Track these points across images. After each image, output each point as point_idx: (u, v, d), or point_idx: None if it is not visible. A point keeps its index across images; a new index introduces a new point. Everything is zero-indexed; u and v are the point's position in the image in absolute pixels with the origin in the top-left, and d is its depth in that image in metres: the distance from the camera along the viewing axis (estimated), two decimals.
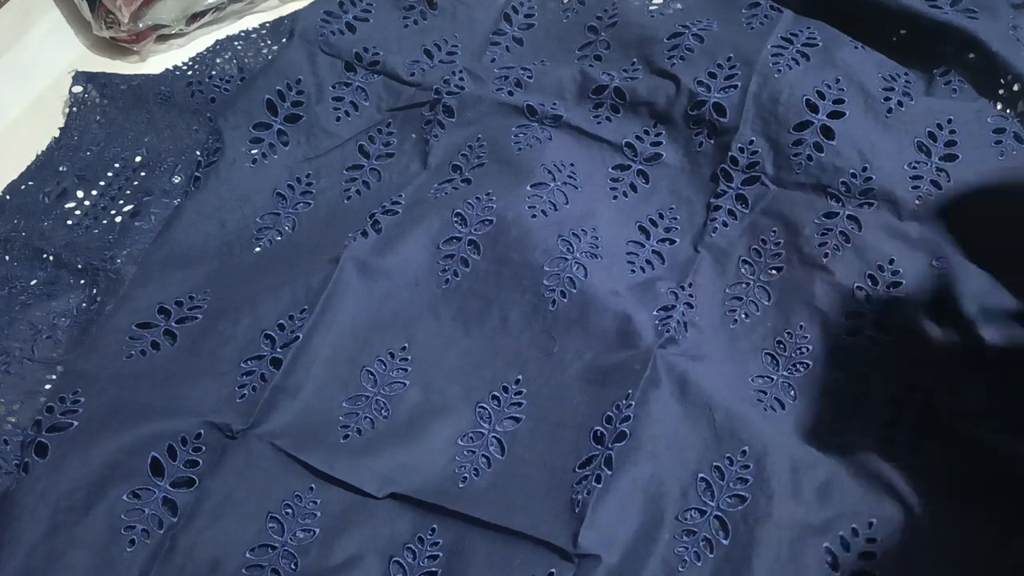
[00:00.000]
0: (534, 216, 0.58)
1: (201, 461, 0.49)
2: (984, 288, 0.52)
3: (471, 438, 0.51)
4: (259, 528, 0.48)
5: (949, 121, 0.58)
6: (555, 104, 0.63)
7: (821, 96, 0.58)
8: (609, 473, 0.48)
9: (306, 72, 0.65)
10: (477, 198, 0.58)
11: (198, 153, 0.64)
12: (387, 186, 0.62)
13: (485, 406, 0.52)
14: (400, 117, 0.65)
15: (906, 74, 0.60)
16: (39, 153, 0.64)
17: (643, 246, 0.59)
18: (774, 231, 0.58)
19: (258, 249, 0.59)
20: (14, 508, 0.47)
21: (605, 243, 0.58)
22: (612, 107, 0.63)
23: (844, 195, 0.56)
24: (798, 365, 0.53)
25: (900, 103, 0.58)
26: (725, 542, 0.47)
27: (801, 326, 0.54)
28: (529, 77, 0.64)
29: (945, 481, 0.49)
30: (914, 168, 0.57)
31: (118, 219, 0.61)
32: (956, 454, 0.49)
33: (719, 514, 0.48)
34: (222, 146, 0.62)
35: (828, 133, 0.57)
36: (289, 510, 0.49)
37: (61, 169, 0.63)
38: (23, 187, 0.62)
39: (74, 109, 0.66)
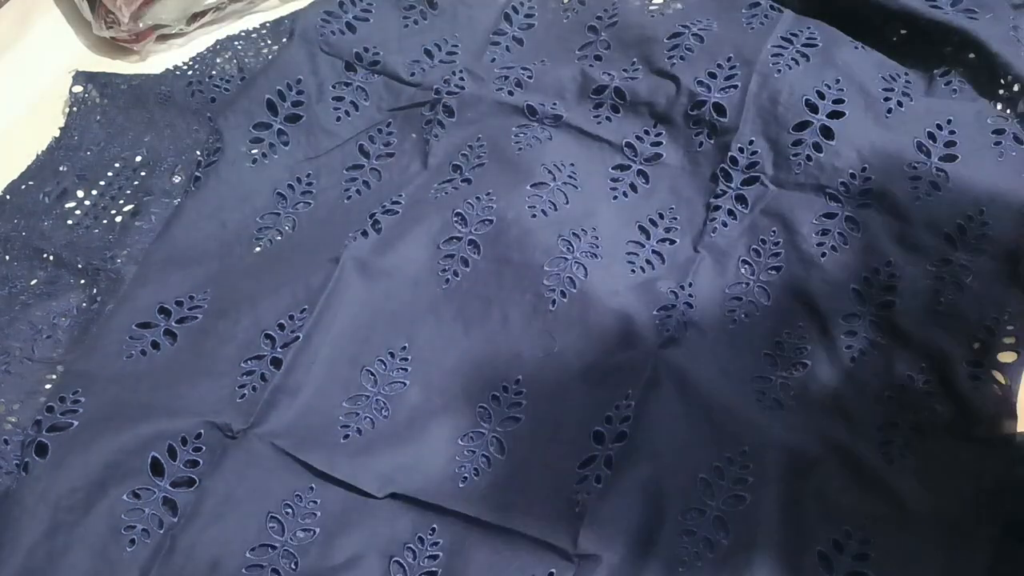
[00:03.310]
0: (534, 216, 0.58)
1: (201, 461, 0.49)
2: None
3: (471, 438, 0.51)
4: (259, 528, 0.48)
5: (948, 121, 0.58)
6: (555, 104, 0.63)
7: (821, 96, 0.58)
8: (609, 473, 0.48)
9: (306, 72, 0.65)
10: (477, 198, 0.58)
11: (198, 153, 0.64)
12: (387, 186, 0.62)
13: (485, 406, 0.52)
14: (400, 117, 0.65)
15: (906, 74, 0.60)
16: (39, 153, 0.64)
17: (643, 246, 0.59)
18: (773, 231, 0.58)
19: (258, 249, 0.59)
20: (14, 508, 0.47)
21: (605, 243, 0.58)
22: (612, 107, 0.63)
23: (843, 195, 0.57)
24: (796, 365, 0.53)
25: (900, 103, 0.58)
26: (725, 542, 0.47)
27: (800, 326, 0.55)
28: (529, 77, 0.64)
29: (941, 481, 0.49)
30: (913, 169, 0.57)
31: (118, 219, 0.61)
32: (952, 453, 0.49)
33: (719, 514, 0.48)
34: (222, 146, 0.62)
35: (827, 133, 0.57)
36: (289, 510, 0.49)
37: (61, 169, 0.63)
38: (23, 187, 0.62)
39: (74, 109, 0.66)
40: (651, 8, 0.66)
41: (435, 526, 0.48)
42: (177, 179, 0.63)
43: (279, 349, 0.53)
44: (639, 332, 0.53)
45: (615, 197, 0.61)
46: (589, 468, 0.49)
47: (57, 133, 0.65)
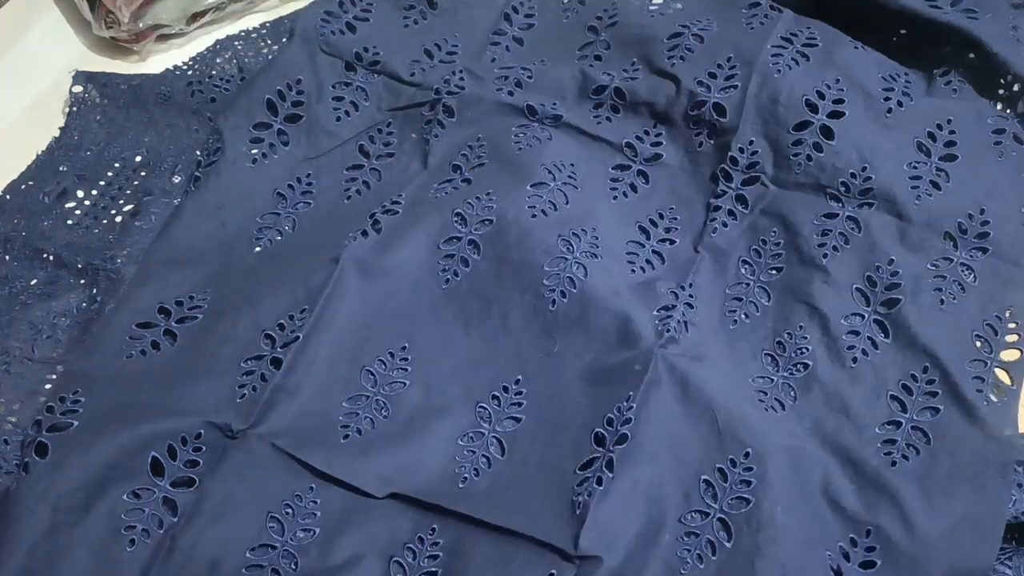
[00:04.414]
0: (534, 216, 0.58)
1: (201, 461, 0.49)
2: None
3: (471, 438, 0.51)
4: (259, 528, 0.48)
5: (949, 121, 0.58)
6: (555, 104, 0.63)
7: (821, 96, 0.58)
8: (610, 475, 0.48)
9: (306, 72, 0.65)
10: (477, 198, 0.58)
11: (198, 153, 0.64)
12: (387, 186, 0.62)
13: (485, 406, 0.52)
14: (400, 117, 0.65)
15: (906, 74, 0.60)
16: (39, 153, 0.64)
17: (643, 246, 0.59)
18: (774, 231, 0.58)
19: (258, 249, 0.59)
20: (14, 508, 0.47)
21: (605, 243, 0.58)
22: (612, 107, 0.63)
23: (844, 195, 0.57)
24: (798, 365, 0.53)
25: (900, 103, 0.59)
26: (728, 544, 0.47)
27: (801, 326, 0.55)
28: (529, 77, 0.64)
29: (944, 482, 0.49)
30: (914, 168, 0.57)
31: (118, 219, 0.61)
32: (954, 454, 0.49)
33: (722, 516, 0.48)
34: (222, 146, 0.62)
35: (828, 133, 0.57)
36: (289, 510, 0.48)
37: (61, 169, 0.63)
38: (23, 187, 0.62)
39: (74, 109, 0.66)
40: (651, 8, 0.66)
41: (435, 526, 0.48)
42: (177, 179, 0.63)
43: (279, 349, 0.53)
44: (639, 332, 0.53)
45: (615, 197, 0.61)
46: (590, 470, 0.49)
47: (57, 133, 0.65)
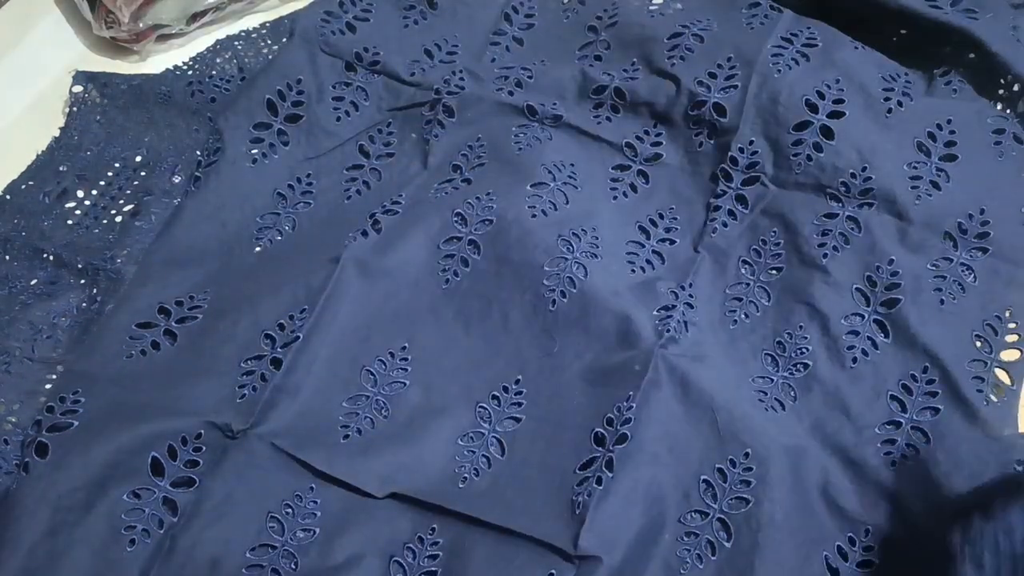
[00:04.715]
0: (534, 216, 0.58)
1: (201, 461, 0.49)
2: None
3: (471, 438, 0.51)
4: (259, 528, 0.48)
5: (949, 121, 0.58)
6: (555, 104, 0.63)
7: (821, 96, 0.58)
8: (610, 475, 0.48)
9: (306, 72, 0.65)
10: (477, 198, 0.58)
11: (198, 153, 0.64)
12: (387, 186, 0.62)
13: (485, 406, 0.52)
14: (400, 117, 0.65)
15: (906, 74, 0.60)
16: (39, 153, 0.64)
17: (643, 246, 0.59)
18: (774, 231, 0.58)
19: (258, 249, 0.59)
20: (14, 508, 0.47)
21: (605, 243, 0.58)
22: (612, 107, 0.63)
23: (844, 195, 0.57)
24: (798, 365, 0.53)
25: (900, 103, 0.59)
26: (727, 544, 0.47)
27: (801, 326, 0.55)
28: (529, 77, 0.64)
29: (943, 482, 0.49)
30: (914, 168, 0.57)
31: (118, 219, 0.61)
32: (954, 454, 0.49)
33: (722, 516, 0.48)
34: (222, 146, 0.62)
35: (828, 133, 0.57)
36: (289, 510, 0.48)
37: (61, 169, 0.63)
38: (23, 187, 0.62)
39: (74, 109, 0.66)
40: (651, 8, 0.66)
41: (435, 526, 0.48)
42: (177, 179, 0.63)
43: (279, 349, 0.53)
44: (639, 332, 0.53)
45: (615, 197, 0.61)
46: (590, 470, 0.49)
47: (57, 133, 0.65)
